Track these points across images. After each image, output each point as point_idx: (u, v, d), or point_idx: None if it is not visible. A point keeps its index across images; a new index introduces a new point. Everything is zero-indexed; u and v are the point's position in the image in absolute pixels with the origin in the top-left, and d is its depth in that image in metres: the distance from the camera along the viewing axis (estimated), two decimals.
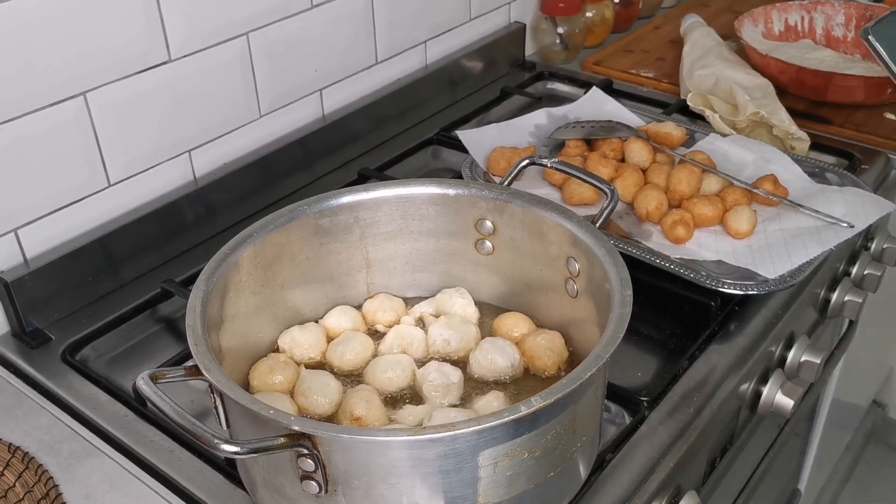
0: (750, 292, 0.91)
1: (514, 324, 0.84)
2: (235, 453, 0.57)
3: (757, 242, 0.99)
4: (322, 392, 0.76)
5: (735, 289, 0.91)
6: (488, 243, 0.86)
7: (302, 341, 0.83)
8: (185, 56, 1.00)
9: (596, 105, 1.27)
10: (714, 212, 1.01)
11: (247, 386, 0.79)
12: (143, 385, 0.60)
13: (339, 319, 0.86)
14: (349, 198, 0.83)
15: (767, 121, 1.19)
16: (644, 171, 1.09)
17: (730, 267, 0.96)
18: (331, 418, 0.76)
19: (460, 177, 1.12)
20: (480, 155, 1.14)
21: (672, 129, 1.16)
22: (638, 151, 1.11)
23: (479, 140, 1.17)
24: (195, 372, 0.65)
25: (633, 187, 1.05)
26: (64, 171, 0.94)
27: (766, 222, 1.02)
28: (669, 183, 1.05)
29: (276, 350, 0.83)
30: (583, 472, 0.72)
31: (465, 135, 1.17)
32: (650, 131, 1.16)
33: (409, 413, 0.75)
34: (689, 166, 1.05)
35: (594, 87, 1.31)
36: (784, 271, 0.93)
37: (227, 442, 0.57)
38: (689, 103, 1.26)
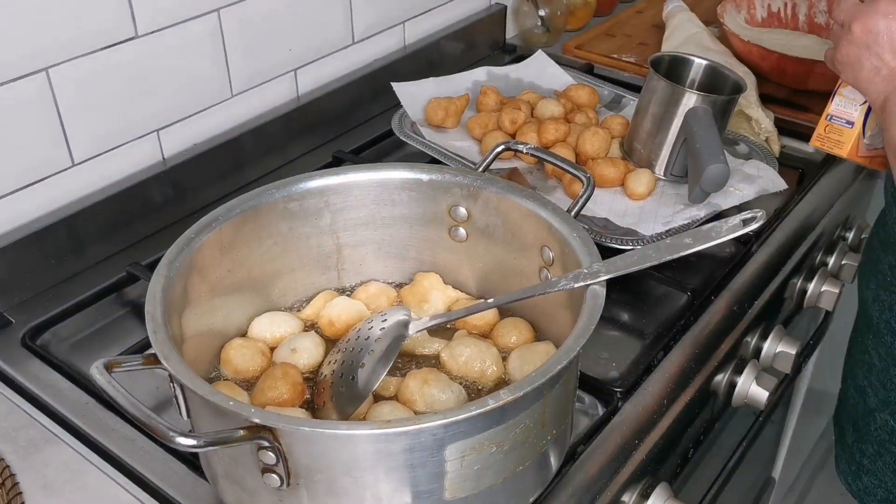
0: (625, 247, 0.92)
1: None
2: (192, 447, 0.55)
3: (650, 204, 1.03)
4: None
5: (616, 243, 0.93)
6: (462, 230, 0.84)
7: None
8: (153, 32, 0.97)
9: (539, 67, 1.31)
10: (616, 173, 1.05)
11: (214, 372, 0.77)
12: (97, 374, 0.58)
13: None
14: (319, 181, 0.81)
15: (740, 106, 1.17)
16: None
17: (615, 225, 0.99)
18: None
19: (434, 161, 1.10)
20: (416, 106, 1.14)
21: (588, 93, 1.21)
22: (550, 109, 1.16)
23: (415, 93, 1.17)
24: (154, 361, 0.63)
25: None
26: (26, 150, 0.91)
27: (665, 186, 1.06)
28: (577, 144, 1.09)
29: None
30: (553, 464, 0.71)
31: (400, 87, 1.16)
32: (569, 94, 1.21)
33: None
34: (597, 129, 1.09)
35: (539, 51, 1.34)
36: (661, 230, 0.97)
37: (182, 435, 0.55)
38: None
